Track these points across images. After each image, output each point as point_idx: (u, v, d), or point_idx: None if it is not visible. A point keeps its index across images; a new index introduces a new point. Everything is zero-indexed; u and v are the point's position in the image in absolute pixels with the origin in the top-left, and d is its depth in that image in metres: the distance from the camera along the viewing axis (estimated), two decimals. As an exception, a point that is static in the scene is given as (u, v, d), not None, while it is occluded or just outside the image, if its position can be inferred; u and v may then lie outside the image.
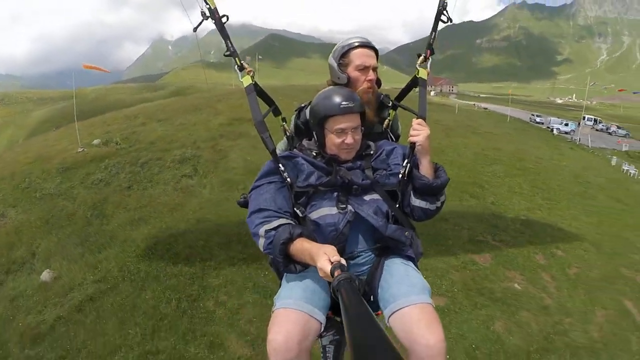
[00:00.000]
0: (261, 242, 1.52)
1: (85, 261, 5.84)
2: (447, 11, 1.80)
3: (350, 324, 0.82)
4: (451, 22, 1.83)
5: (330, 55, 1.91)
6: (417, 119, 1.68)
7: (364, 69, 1.82)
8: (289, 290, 1.49)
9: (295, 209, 1.62)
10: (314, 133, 1.73)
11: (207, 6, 1.83)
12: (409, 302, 1.42)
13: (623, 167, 23.12)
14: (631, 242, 8.55)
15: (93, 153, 10.21)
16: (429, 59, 1.86)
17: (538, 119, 47.33)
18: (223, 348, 4.33)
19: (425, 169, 1.64)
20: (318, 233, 1.58)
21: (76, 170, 9.25)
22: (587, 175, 16.65)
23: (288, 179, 1.62)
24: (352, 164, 1.68)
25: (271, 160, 1.68)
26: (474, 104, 66.13)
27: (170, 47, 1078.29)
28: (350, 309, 0.90)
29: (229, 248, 6.02)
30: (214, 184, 8.51)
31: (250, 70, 1.92)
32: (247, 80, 1.89)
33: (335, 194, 1.63)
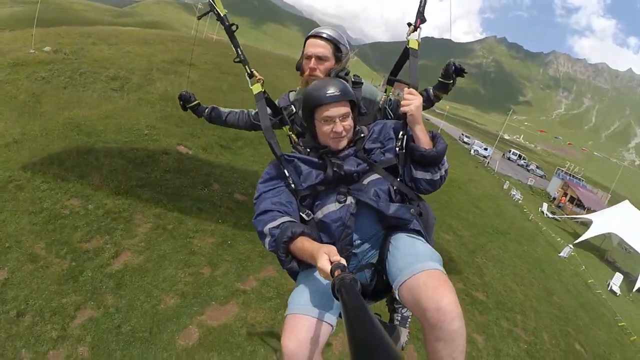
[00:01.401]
0: (266, 240, 1.56)
1: (20, 123, 8.54)
2: None
3: (350, 324, 0.81)
4: None
5: None
6: (408, 88, 1.71)
7: (308, 57, 1.99)
8: (300, 295, 1.52)
9: (301, 213, 1.65)
10: (305, 125, 1.76)
11: (217, 11, 1.97)
12: (414, 270, 1.36)
13: (511, 192, 26.39)
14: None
15: (42, 57, 12.35)
16: (419, 27, 1.85)
17: (466, 139, 53.65)
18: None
19: (420, 139, 1.63)
20: (325, 232, 1.62)
21: (24, 67, 11.43)
22: (468, 185, 20.75)
23: (292, 185, 1.66)
24: (345, 152, 1.68)
25: (273, 165, 1.74)
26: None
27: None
28: (351, 309, 0.89)
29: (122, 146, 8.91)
30: (131, 98, 11.17)
31: (261, 79, 2.06)
32: (257, 88, 2.01)
33: (335, 188, 1.64)
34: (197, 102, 2.50)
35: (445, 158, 1.67)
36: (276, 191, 1.68)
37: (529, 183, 37.15)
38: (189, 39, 22.95)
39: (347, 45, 2.08)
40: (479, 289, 9.03)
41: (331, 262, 1.21)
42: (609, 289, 16.77)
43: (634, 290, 18.15)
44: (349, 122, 1.68)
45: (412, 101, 1.67)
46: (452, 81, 1.93)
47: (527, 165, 53.60)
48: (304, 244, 1.40)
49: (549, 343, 8.16)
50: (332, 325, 1.47)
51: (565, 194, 32.92)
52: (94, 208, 6.36)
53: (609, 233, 22.64)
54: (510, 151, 56.94)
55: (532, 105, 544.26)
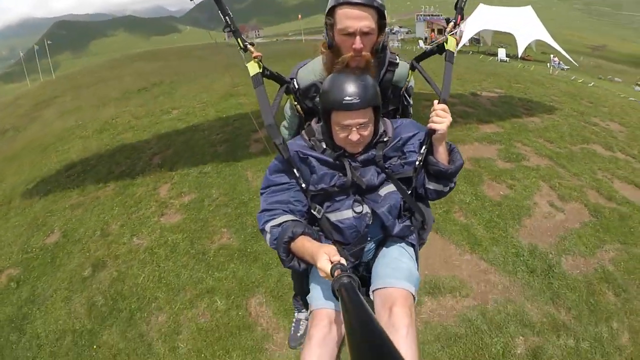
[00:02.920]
0: (267, 238, 1.54)
1: None
2: None
3: (350, 324, 0.81)
4: None
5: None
6: (439, 102, 1.58)
7: (348, 34, 1.52)
8: (320, 292, 1.58)
9: (312, 210, 1.63)
10: (321, 121, 1.61)
11: None
12: (388, 284, 1.48)
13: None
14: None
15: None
16: (459, 24, 1.69)
17: None
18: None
19: (440, 154, 1.61)
20: (338, 233, 1.62)
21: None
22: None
23: (303, 185, 1.59)
24: (364, 156, 1.60)
25: (281, 161, 1.61)
26: (276, 39, 70.63)
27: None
28: (351, 309, 0.90)
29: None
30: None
31: (258, 55, 1.64)
32: (253, 68, 1.63)
33: (350, 193, 1.61)
34: None
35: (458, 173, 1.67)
36: (284, 186, 1.60)
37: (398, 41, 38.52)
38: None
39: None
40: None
41: (331, 262, 1.21)
42: (498, 60, 23.46)
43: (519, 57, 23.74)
44: (369, 130, 1.54)
45: (444, 120, 1.54)
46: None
47: (391, 30, 52.76)
48: (304, 244, 1.40)
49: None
50: (338, 310, 1.50)
51: (433, 30, 37.51)
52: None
53: (482, 30, 27.58)
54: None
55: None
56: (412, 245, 1.71)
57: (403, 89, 1.85)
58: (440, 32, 33.08)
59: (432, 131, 1.57)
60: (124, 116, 11.04)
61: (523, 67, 19.14)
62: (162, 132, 8.76)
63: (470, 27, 27.03)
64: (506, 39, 28.76)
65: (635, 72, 29.42)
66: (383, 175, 1.63)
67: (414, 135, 1.66)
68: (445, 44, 1.69)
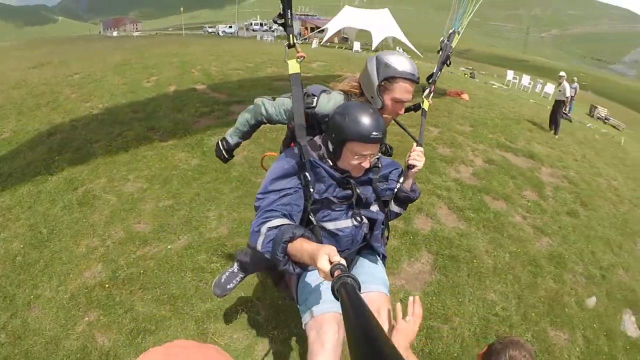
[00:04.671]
0: (260, 240, 1.51)
1: None
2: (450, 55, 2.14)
3: (350, 324, 0.81)
4: (450, 65, 2.18)
5: (374, 61, 1.74)
6: (417, 146, 1.93)
7: (400, 102, 1.76)
8: (318, 297, 1.64)
9: (310, 216, 1.70)
10: (329, 143, 1.66)
11: None
12: (369, 288, 1.71)
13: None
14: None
15: None
16: (432, 92, 2.12)
17: (210, 29, 59.02)
18: None
19: (408, 185, 1.92)
20: (332, 241, 1.75)
21: None
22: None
23: (311, 189, 1.64)
24: (363, 178, 1.76)
25: (292, 163, 1.66)
26: (156, 33, 68.56)
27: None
28: (351, 310, 0.89)
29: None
30: None
31: (302, 55, 1.74)
32: (294, 67, 1.73)
33: (346, 205, 1.74)
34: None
35: None
36: (284, 191, 1.62)
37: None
38: None
39: None
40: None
41: (331, 263, 1.19)
42: (353, 51, 26.98)
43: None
44: (374, 157, 1.73)
45: (421, 160, 1.88)
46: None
47: (264, 25, 58.61)
48: (303, 245, 1.36)
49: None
50: None
51: (306, 28, 41.07)
52: None
53: (346, 27, 32.72)
54: (250, 22, 64.00)
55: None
56: (384, 257, 1.96)
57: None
58: (312, 29, 37.23)
59: (412, 166, 1.88)
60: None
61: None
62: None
63: (335, 24, 32.08)
64: (366, 36, 33.76)
65: (495, 70, 36.14)
66: (374, 195, 1.84)
67: (395, 169, 1.95)
68: (421, 104, 2.11)
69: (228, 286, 2.53)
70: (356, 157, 1.61)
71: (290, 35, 1.77)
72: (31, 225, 4.13)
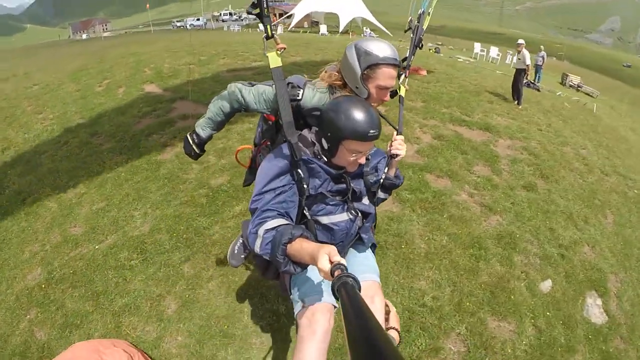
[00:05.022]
0: (258, 242, 1.50)
1: None
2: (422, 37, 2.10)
3: (350, 325, 0.80)
4: (422, 48, 2.13)
5: (353, 51, 1.70)
6: (397, 134, 1.95)
7: (384, 89, 1.74)
8: (311, 287, 1.66)
9: (304, 211, 1.69)
10: (323, 140, 1.63)
11: None
12: (364, 278, 1.71)
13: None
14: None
15: None
16: (407, 77, 2.09)
17: (178, 23, 59.61)
18: None
19: (392, 172, 1.95)
20: (327, 235, 1.75)
21: None
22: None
23: (305, 185, 1.62)
24: (355, 172, 1.77)
25: (285, 161, 1.65)
26: (125, 32, 70.90)
27: None
28: (351, 310, 0.88)
29: None
30: None
31: (282, 47, 1.68)
32: (274, 60, 1.65)
33: (339, 198, 1.74)
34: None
35: None
36: (279, 190, 1.61)
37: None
38: None
39: None
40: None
41: (331, 262, 1.19)
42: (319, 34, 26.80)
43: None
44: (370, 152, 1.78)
45: (403, 148, 1.90)
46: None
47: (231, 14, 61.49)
48: (302, 245, 1.36)
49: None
50: (335, 306, 1.64)
51: (275, 15, 40.79)
52: None
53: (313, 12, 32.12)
54: (220, 13, 64.99)
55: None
56: (374, 246, 2.01)
57: None
58: (281, 15, 36.09)
59: (395, 155, 1.90)
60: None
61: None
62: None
63: (301, 9, 30.90)
64: (334, 18, 32.88)
65: (465, 44, 35.84)
66: (365, 188, 1.85)
67: (382, 158, 1.97)
68: (398, 90, 2.00)
69: (242, 256, 2.62)
70: (353, 154, 1.61)
71: (267, 26, 1.63)
72: (-15, 237, 4.50)
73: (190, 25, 51.87)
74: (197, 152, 2.06)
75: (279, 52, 1.66)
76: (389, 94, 1.79)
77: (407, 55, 2.10)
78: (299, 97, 1.72)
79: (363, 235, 1.88)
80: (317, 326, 1.51)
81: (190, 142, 2.04)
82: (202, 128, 2.01)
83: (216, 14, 65.47)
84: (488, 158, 5.61)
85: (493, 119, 7.46)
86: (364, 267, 1.85)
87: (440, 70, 12.48)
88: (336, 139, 1.58)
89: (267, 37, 1.65)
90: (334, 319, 1.60)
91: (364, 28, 30.89)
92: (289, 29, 30.93)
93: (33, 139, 6.66)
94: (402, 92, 2.06)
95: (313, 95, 1.74)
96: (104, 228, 4.10)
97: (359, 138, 1.54)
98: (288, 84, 1.71)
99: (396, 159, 1.91)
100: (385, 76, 1.70)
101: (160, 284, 3.36)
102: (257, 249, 1.50)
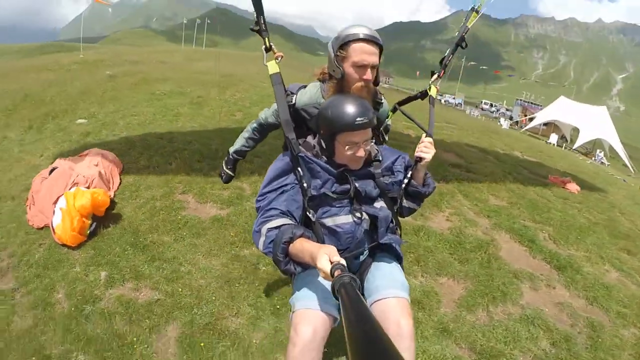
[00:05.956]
0: (261, 241, 1.55)
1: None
2: (465, 37, 2.03)
3: (350, 325, 0.81)
4: (466, 47, 2.02)
5: (330, 42, 1.75)
6: (426, 136, 1.82)
7: (361, 66, 1.67)
8: (306, 292, 1.60)
9: (307, 212, 1.66)
10: (321, 141, 1.67)
11: None
12: (388, 294, 1.60)
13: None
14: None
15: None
16: (441, 77, 2.03)
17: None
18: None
19: (419, 179, 1.81)
20: (333, 238, 1.68)
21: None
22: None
23: (305, 184, 1.63)
24: (362, 171, 1.72)
25: (285, 161, 1.69)
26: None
27: (110, 10, 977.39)
28: (351, 310, 0.89)
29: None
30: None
31: (279, 55, 1.82)
32: (273, 67, 1.79)
33: (346, 200, 1.69)
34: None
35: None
36: (282, 189, 1.65)
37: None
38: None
39: None
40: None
41: (331, 263, 1.19)
42: (549, 142, 25.13)
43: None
44: (369, 146, 1.69)
45: (430, 151, 1.77)
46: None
47: (497, 110, 58.86)
48: (303, 245, 1.38)
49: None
50: (336, 317, 1.55)
51: (525, 115, 39.18)
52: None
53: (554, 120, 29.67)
54: (482, 102, 66.58)
55: (512, 69, 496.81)
56: (400, 258, 1.84)
57: (382, 127, 2.07)
58: (532, 119, 34.19)
59: (420, 159, 1.77)
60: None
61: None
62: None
63: (544, 115, 30.08)
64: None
65: None
66: (378, 190, 1.76)
67: (397, 158, 1.86)
68: (428, 90, 2.02)
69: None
70: (348, 147, 1.60)
71: (266, 39, 1.80)
72: None
73: (444, 102, 53.05)
74: (225, 169, 2.25)
75: (277, 60, 1.82)
76: (368, 72, 1.70)
77: (447, 54, 2.06)
78: (293, 102, 1.83)
79: (384, 242, 1.75)
80: (297, 340, 1.46)
81: (223, 163, 2.24)
82: (233, 145, 2.20)
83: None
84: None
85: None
86: (387, 280, 1.68)
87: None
88: (330, 135, 1.61)
89: (267, 50, 1.82)
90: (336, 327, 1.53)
91: (597, 151, 26.04)
92: (523, 129, 29.96)
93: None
94: (433, 93, 2.03)
95: (304, 94, 1.85)
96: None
97: (348, 128, 1.55)
98: (285, 91, 1.83)
99: (421, 163, 1.79)
100: (358, 51, 1.66)
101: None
102: (260, 247, 1.55)
